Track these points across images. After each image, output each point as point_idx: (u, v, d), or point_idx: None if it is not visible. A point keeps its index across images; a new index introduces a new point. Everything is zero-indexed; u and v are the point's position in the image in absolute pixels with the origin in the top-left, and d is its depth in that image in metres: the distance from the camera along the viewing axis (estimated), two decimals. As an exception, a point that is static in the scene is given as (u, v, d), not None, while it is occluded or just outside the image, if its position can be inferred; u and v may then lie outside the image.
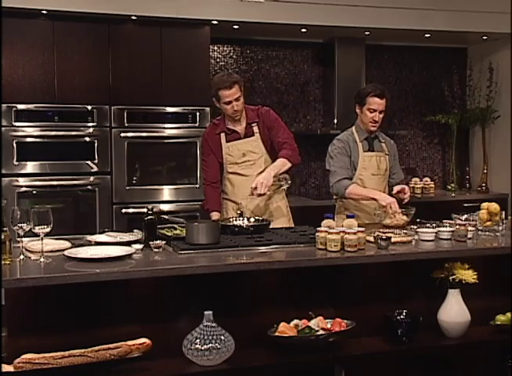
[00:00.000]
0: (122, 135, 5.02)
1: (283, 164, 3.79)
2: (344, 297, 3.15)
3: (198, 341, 2.71)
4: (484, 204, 3.52)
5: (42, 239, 2.82)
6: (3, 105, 4.72)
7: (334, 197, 4.08)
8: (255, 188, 3.63)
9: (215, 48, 5.83)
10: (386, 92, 4.00)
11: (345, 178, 3.91)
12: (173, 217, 3.57)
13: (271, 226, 3.62)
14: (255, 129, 3.93)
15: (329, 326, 2.95)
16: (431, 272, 3.18)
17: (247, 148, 3.93)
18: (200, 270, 2.80)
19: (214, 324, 2.74)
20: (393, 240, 3.16)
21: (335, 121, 5.91)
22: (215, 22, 5.17)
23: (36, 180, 4.86)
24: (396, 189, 3.90)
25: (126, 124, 5.03)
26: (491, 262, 3.31)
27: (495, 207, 3.48)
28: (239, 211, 3.78)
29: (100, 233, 3.62)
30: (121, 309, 2.85)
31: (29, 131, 4.83)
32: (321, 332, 2.90)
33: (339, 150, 3.97)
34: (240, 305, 3.00)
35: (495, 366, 3.37)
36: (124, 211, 5.04)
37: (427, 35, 5.91)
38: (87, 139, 4.95)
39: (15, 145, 4.79)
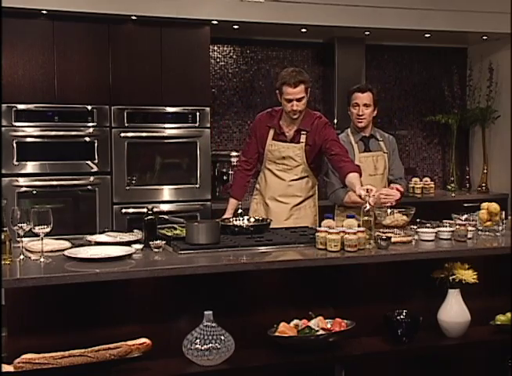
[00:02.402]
0: (122, 135, 5.02)
1: (358, 177, 3.56)
2: (344, 297, 3.15)
3: (198, 341, 2.71)
4: (484, 204, 3.52)
5: (42, 239, 2.82)
6: (3, 105, 4.71)
7: None
8: (368, 192, 3.28)
9: (215, 48, 5.83)
10: (369, 87, 4.02)
11: (340, 187, 3.91)
12: (173, 217, 3.57)
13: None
14: (302, 138, 3.85)
15: (329, 326, 2.95)
16: (431, 272, 3.18)
17: (289, 153, 3.87)
18: (200, 270, 2.80)
19: (214, 324, 2.74)
20: (393, 240, 3.16)
21: (335, 121, 5.90)
22: (215, 22, 5.17)
23: (36, 180, 4.85)
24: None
25: (126, 124, 5.02)
26: (491, 262, 3.31)
27: (495, 207, 3.48)
28: (239, 211, 3.78)
29: (100, 233, 3.62)
30: (121, 309, 2.85)
31: (29, 131, 4.83)
32: (321, 332, 2.90)
33: None
34: (240, 305, 3.00)
35: (495, 366, 3.38)
36: (124, 211, 5.04)
37: (427, 35, 5.91)
38: (87, 139, 4.95)
39: (15, 145, 4.79)
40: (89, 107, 4.93)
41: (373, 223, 3.20)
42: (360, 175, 3.62)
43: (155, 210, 3.31)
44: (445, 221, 3.46)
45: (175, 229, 3.40)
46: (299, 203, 3.95)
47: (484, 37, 6.08)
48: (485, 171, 6.29)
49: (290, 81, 3.70)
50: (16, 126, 4.79)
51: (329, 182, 3.97)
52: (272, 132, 3.89)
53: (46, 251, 2.91)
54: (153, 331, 2.79)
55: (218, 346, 2.71)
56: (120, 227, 4.74)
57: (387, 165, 4.07)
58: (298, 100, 3.72)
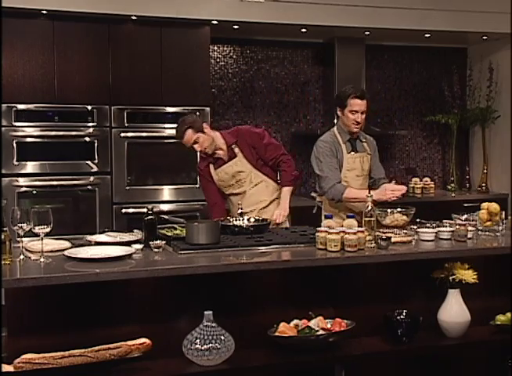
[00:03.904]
0: (122, 135, 5.02)
1: (290, 192, 4.02)
2: (344, 297, 3.15)
3: (198, 341, 2.71)
4: (484, 204, 3.52)
5: (42, 239, 2.83)
6: (3, 105, 4.72)
7: (317, 198, 4.10)
8: (275, 219, 3.85)
9: (215, 48, 5.83)
10: (366, 93, 4.02)
11: (338, 182, 3.89)
12: (173, 217, 3.57)
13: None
14: (236, 150, 3.98)
15: (329, 326, 2.95)
16: (431, 272, 3.18)
17: (234, 169, 3.99)
18: (200, 270, 2.80)
19: (214, 324, 2.74)
20: (393, 240, 3.16)
21: (335, 121, 5.90)
22: (215, 22, 5.17)
23: (36, 180, 4.86)
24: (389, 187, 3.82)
25: (126, 124, 5.02)
26: (491, 262, 3.32)
27: (495, 207, 3.48)
28: (239, 211, 3.79)
29: (100, 233, 3.62)
30: (121, 309, 2.85)
31: (29, 131, 4.83)
32: (321, 332, 2.90)
33: (326, 151, 3.95)
34: (240, 305, 3.00)
35: (495, 366, 3.38)
36: (124, 211, 5.04)
37: (427, 35, 5.91)
38: (87, 139, 4.95)
39: (15, 145, 4.79)
40: (89, 107, 4.93)
41: (375, 223, 3.22)
42: (294, 187, 4.04)
43: (155, 210, 3.31)
44: (445, 221, 3.46)
45: (175, 229, 3.40)
46: (266, 206, 4.02)
47: (485, 38, 6.09)
48: (485, 171, 6.29)
49: (178, 135, 3.90)
50: (16, 126, 4.79)
51: (325, 178, 3.90)
52: (212, 167, 4.02)
53: (46, 251, 2.91)
54: (153, 331, 2.79)
55: (218, 346, 2.71)
56: (120, 227, 4.73)
57: (370, 166, 4.09)
58: (195, 143, 3.88)
